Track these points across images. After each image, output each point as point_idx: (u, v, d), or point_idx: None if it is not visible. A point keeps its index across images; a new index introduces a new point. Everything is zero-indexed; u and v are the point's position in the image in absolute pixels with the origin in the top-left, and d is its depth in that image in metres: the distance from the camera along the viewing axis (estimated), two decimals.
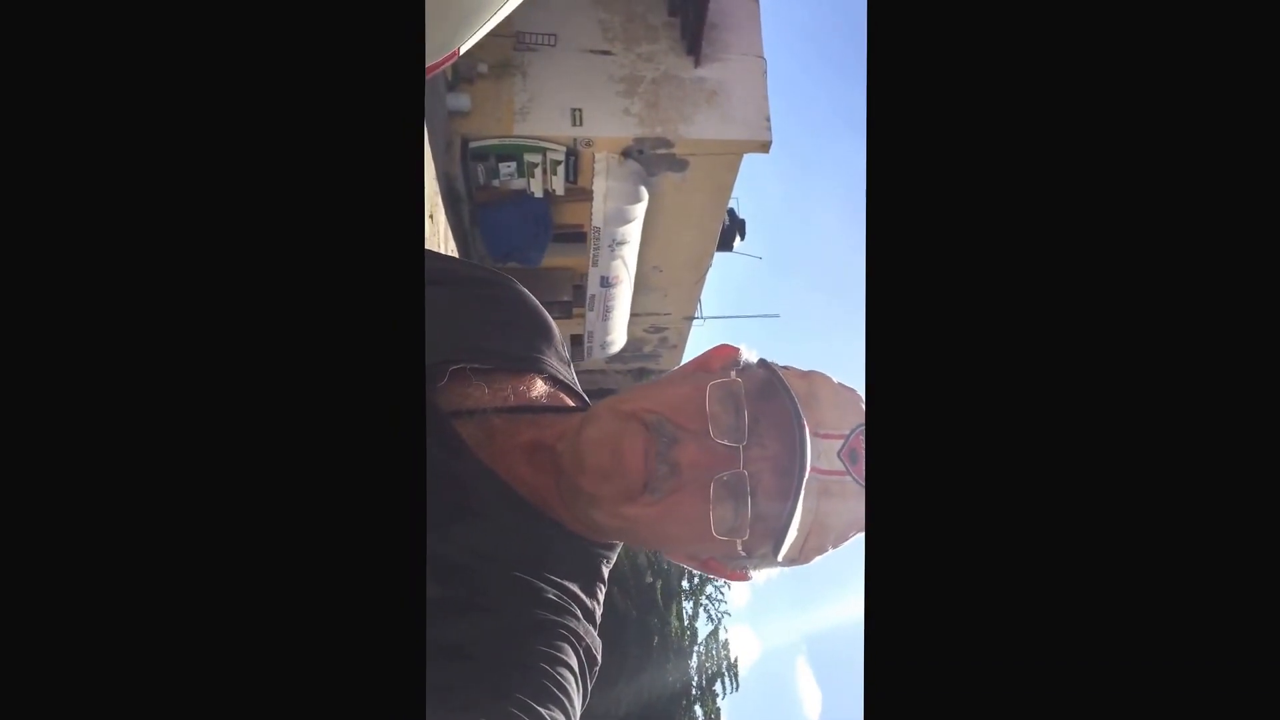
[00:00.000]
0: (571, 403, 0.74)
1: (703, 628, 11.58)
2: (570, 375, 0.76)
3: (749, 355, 0.67)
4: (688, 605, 11.44)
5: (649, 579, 10.75)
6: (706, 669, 11.39)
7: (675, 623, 11.02)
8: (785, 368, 0.65)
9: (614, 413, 0.64)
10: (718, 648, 11.50)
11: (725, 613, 11.73)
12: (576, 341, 11.35)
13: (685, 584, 11.23)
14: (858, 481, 0.60)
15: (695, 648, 11.43)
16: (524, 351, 0.73)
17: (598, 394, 0.74)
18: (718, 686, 11.36)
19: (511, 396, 0.69)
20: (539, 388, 0.72)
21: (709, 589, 11.48)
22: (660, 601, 10.82)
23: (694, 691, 11.28)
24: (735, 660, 11.47)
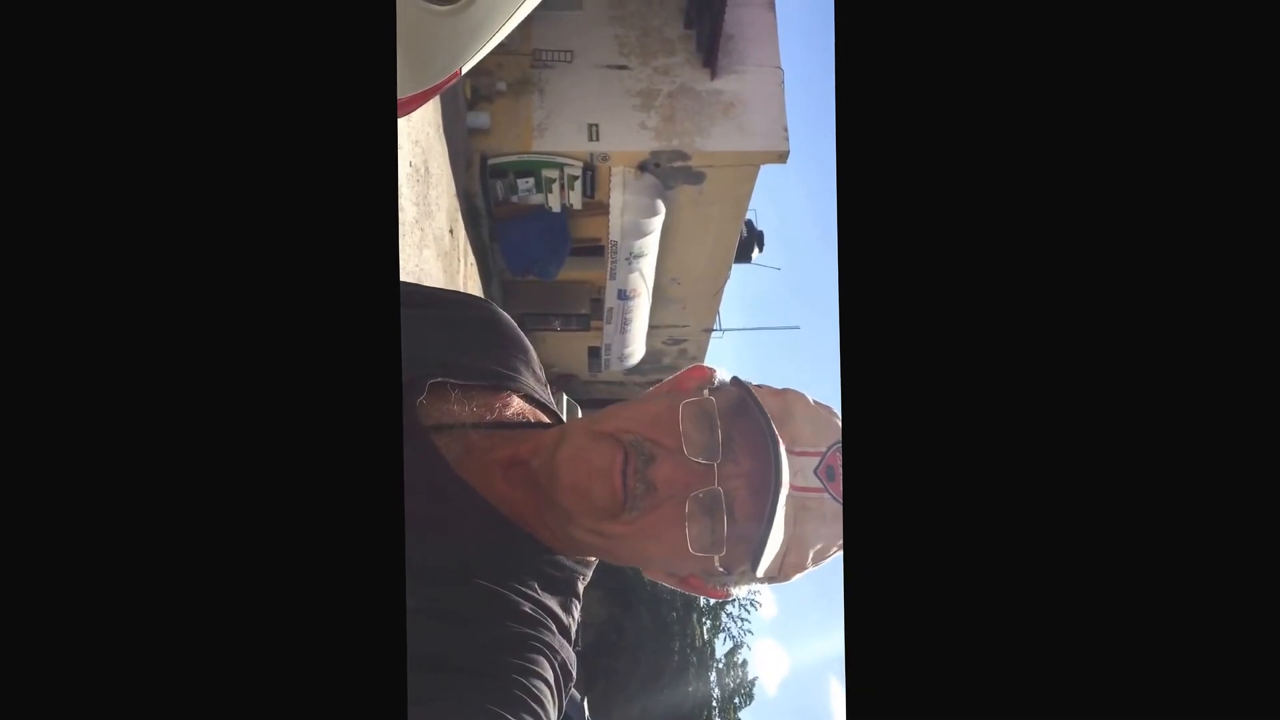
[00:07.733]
0: (548, 420, 0.75)
1: (721, 646, 11.49)
2: (546, 395, 0.78)
3: (722, 375, 0.67)
4: (706, 622, 11.35)
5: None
6: (726, 685, 11.28)
7: (695, 631, 10.94)
8: (759, 386, 0.66)
9: (588, 432, 0.64)
10: (737, 665, 11.40)
11: (748, 631, 11.65)
12: (594, 354, 11.36)
13: (703, 600, 11.14)
14: (835, 498, 0.61)
15: (714, 663, 11.34)
16: (501, 369, 0.74)
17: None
18: (737, 700, 11.25)
19: (489, 413, 0.70)
20: (516, 405, 0.73)
21: (730, 607, 11.38)
22: (678, 615, 10.75)
23: (713, 705, 11.18)
24: (754, 680, 11.36)
